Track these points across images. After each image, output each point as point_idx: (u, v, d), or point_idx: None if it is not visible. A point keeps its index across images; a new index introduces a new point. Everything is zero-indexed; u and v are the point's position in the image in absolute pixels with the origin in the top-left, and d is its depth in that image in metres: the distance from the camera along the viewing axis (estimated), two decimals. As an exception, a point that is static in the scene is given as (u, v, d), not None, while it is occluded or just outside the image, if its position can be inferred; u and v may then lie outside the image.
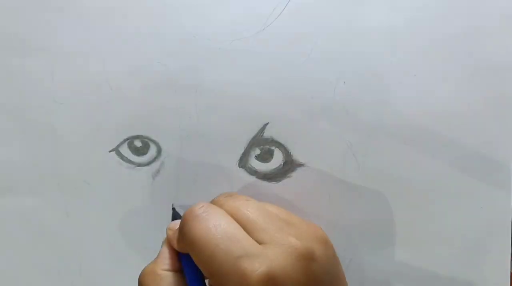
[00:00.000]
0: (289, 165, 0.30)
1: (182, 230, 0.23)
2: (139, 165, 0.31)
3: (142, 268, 0.31)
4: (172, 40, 0.29)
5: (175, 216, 0.29)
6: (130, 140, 0.31)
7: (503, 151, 0.29)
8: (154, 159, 0.31)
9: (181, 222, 0.24)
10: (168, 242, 0.26)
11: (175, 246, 0.25)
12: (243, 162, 0.30)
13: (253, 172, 0.30)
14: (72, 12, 0.30)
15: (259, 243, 0.22)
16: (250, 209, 0.24)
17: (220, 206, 0.24)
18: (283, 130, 0.30)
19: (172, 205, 0.30)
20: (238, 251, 0.21)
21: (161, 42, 0.30)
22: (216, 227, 0.22)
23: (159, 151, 0.30)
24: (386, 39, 0.29)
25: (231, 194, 0.26)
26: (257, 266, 0.20)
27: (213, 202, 0.25)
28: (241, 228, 0.23)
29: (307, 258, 0.22)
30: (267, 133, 0.30)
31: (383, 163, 0.30)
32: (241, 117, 0.30)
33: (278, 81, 0.29)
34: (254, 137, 0.30)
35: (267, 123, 0.30)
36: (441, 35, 0.29)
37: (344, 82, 0.29)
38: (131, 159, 0.31)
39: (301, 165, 0.30)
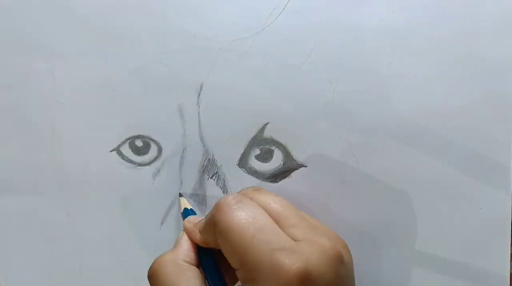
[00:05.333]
0: (289, 165, 0.30)
1: (213, 219, 0.23)
2: (140, 164, 0.31)
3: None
4: (173, 40, 0.30)
5: (185, 206, 0.29)
6: (131, 140, 0.31)
7: (502, 151, 0.29)
8: (155, 159, 0.31)
9: (212, 211, 0.23)
10: (185, 234, 0.26)
11: (197, 239, 0.25)
12: (243, 162, 0.30)
13: (253, 172, 0.30)
14: (72, 12, 0.30)
15: (293, 238, 0.22)
16: (281, 205, 0.24)
17: (250, 198, 0.24)
18: (283, 130, 0.30)
19: (180, 193, 0.30)
20: (275, 243, 0.21)
21: (161, 43, 0.30)
22: (253, 217, 0.22)
23: (159, 150, 0.31)
24: (385, 39, 0.29)
25: (258, 188, 0.26)
26: (294, 261, 0.20)
27: (241, 192, 0.25)
28: (274, 222, 0.23)
29: (338, 260, 0.22)
30: (267, 134, 0.30)
31: (382, 163, 0.30)
32: (241, 117, 0.30)
33: (278, 81, 0.29)
34: (254, 138, 0.30)
35: (267, 123, 0.30)
36: (440, 35, 0.29)
37: (344, 82, 0.29)
38: (132, 159, 0.31)
39: (301, 165, 0.30)
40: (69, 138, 0.31)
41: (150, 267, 0.24)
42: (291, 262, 0.20)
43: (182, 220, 0.27)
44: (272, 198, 0.24)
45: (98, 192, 0.31)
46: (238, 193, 0.25)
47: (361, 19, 0.29)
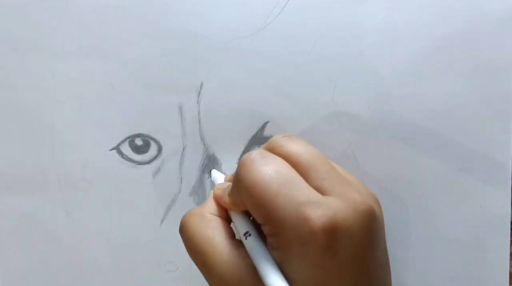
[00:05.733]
0: (289, 164, 0.30)
1: (238, 176, 0.22)
2: (140, 163, 0.31)
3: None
4: (173, 39, 0.30)
5: (216, 178, 0.29)
6: (131, 139, 0.31)
7: (502, 150, 0.29)
8: (155, 157, 0.31)
9: (237, 168, 0.23)
10: (216, 200, 0.26)
11: (226, 202, 0.25)
12: (243, 161, 0.30)
13: (253, 171, 0.30)
14: (72, 12, 0.30)
15: (321, 191, 0.21)
16: (312, 155, 0.23)
17: (280, 146, 0.23)
18: (283, 129, 0.30)
19: (212, 167, 0.30)
20: (301, 197, 0.20)
21: (161, 41, 0.30)
22: (277, 172, 0.21)
23: (159, 149, 0.31)
24: (385, 38, 0.29)
25: (290, 135, 0.25)
26: (320, 214, 0.20)
27: (270, 142, 0.24)
28: (301, 177, 0.22)
29: (369, 216, 0.21)
30: (267, 132, 0.30)
31: (383, 162, 0.30)
32: (241, 116, 0.30)
33: (278, 80, 0.29)
34: (254, 136, 0.30)
35: (267, 122, 0.30)
36: (441, 35, 0.29)
37: (344, 81, 0.29)
38: (132, 157, 0.31)
39: (301, 163, 0.30)
40: (69, 137, 0.31)
41: (180, 221, 0.25)
42: (317, 214, 0.19)
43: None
44: (303, 147, 0.23)
45: (98, 190, 0.31)
46: (266, 143, 0.25)
47: (361, 18, 0.29)
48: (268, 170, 0.21)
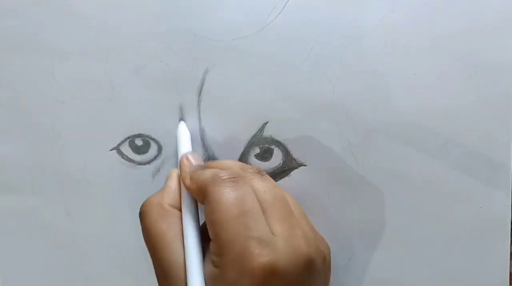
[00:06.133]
0: (288, 164, 0.30)
1: (206, 185, 0.24)
2: (140, 163, 0.31)
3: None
4: (173, 39, 0.30)
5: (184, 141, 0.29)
6: (131, 139, 0.31)
7: (502, 150, 0.29)
8: (155, 158, 0.31)
9: (208, 177, 0.24)
10: (177, 175, 0.27)
11: (185, 182, 0.26)
12: (242, 161, 0.30)
13: (252, 171, 0.30)
14: (72, 12, 0.30)
15: (273, 231, 0.22)
16: (274, 196, 0.24)
17: (249, 180, 0.25)
18: (283, 129, 0.30)
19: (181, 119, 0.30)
20: (253, 231, 0.22)
21: (161, 41, 0.30)
22: (242, 200, 0.23)
23: (159, 149, 0.31)
24: (385, 38, 0.29)
25: (260, 170, 0.26)
26: (264, 253, 0.21)
27: (243, 169, 0.26)
28: (261, 211, 0.23)
29: (308, 266, 0.22)
30: (266, 132, 0.30)
31: (382, 162, 0.30)
32: (241, 116, 0.30)
33: (278, 80, 0.29)
34: (253, 136, 0.30)
35: (266, 122, 0.30)
36: (440, 35, 0.29)
37: (344, 81, 0.29)
38: (131, 158, 0.31)
39: (300, 164, 0.30)
40: (69, 137, 0.31)
41: (140, 207, 0.26)
42: (261, 253, 0.21)
43: (178, 153, 0.28)
44: (270, 186, 0.25)
45: (98, 190, 0.31)
46: (241, 167, 0.26)
47: (361, 18, 0.29)
48: (236, 194, 0.23)
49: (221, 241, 0.22)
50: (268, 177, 0.26)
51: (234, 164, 0.27)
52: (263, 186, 0.24)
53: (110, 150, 0.31)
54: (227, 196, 0.23)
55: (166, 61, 0.30)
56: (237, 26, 0.29)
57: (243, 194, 0.23)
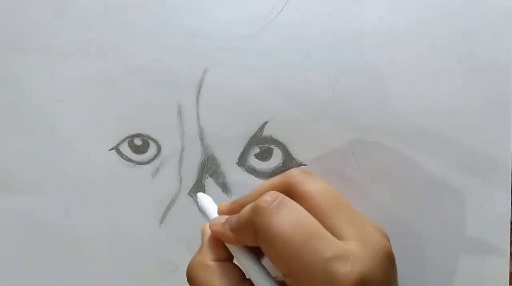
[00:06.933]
0: (288, 164, 0.30)
1: (254, 224, 0.21)
2: (139, 163, 0.31)
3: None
4: (172, 39, 0.30)
5: (205, 207, 0.27)
6: (130, 139, 0.31)
7: (502, 150, 0.29)
8: (154, 157, 0.31)
9: (250, 214, 0.22)
10: (213, 236, 0.25)
11: (230, 239, 0.24)
12: (242, 161, 0.30)
13: (252, 171, 0.30)
14: (72, 12, 0.30)
15: (341, 236, 0.21)
16: (333, 197, 0.23)
17: (301, 183, 0.23)
18: (283, 129, 0.30)
19: (194, 193, 0.30)
20: (327, 251, 0.20)
21: (161, 41, 0.30)
22: (301, 223, 0.21)
23: (158, 149, 0.31)
24: (385, 38, 0.29)
25: (309, 172, 0.24)
26: (349, 270, 0.19)
27: (288, 177, 0.23)
28: (321, 225, 0.21)
29: (389, 261, 0.21)
30: (266, 132, 0.30)
31: (382, 162, 0.30)
32: (240, 116, 0.30)
33: (278, 79, 0.29)
34: (253, 136, 0.30)
35: (266, 122, 0.30)
36: (440, 34, 0.29)
37: (344, 80, 0.29)
38: (131, 157, 0.31)
39: (300, 163, 0.30)
40: (68, 136, 0.31)
41: (186, 272, 0.24)
42: (346, 270, 0.19)
43: (206, 219, 0.26)
44: (324, 188, 0.23)
45: (97, 190, 0.31)
46: (282, 176, 0.24)
47: (361, 17, 0.29)
48: (290, 220, 0.21)
49: (298, 273, 0.20)
50: (317, 176, 0.24)
51: (265, 184, 0.24)
52: (317, 187, 0.23)
53: (110, 150, 0.31)
54: (283, 226, 0.20)
55: (165, 60, 0.30)
56: (236, 26, 0.29)
57: (296, 216, 0.21)
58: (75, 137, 0.31)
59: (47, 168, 0.31)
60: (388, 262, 0.21)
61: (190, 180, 0.31)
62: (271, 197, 0.22)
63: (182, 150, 0.30)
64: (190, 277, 0.24)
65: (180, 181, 0.31)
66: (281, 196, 0.22)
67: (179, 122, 0.30)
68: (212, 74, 0.30)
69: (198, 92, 0.30)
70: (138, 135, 0.31)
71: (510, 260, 0.30)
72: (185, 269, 0.24)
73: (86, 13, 0.30)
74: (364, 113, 0.29)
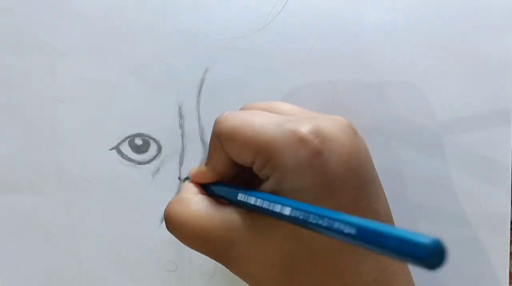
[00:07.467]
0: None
1: (215, 130, 0.22)
2: (140, 163, 0.31)
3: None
4: (173, 38, 0.30)
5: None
6: (130, 139, 0.31)
7: (502, 150, 0.29)
8: (155, 157, 0.31)
9: (214, 124, 0.23)
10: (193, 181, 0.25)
11: (205, 175, 0.24)
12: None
13: (252, 170, 0.30)
14: (72, 11, 0.30)
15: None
16: (284, 104, 0.24)
17: (251, 107, 0.24)
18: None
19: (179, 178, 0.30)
20: (283, 119, 0.21)
21: (161, 41, 0.30)
22: (256, 112, 0.22)
23: (159, 149, 0.31)
24: (385, 38, 0.29)
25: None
26: (306, 124, 0.20)
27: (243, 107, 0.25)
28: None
29: (351, 129, 0.21)
30: (266, 132, 0.30)
31: (382, 162, 0.30)
32: (240, 115, 0.30)
33: (278, 79, 0.29)
34: (253, 136, 0.30)
35: (266, 122, 0.30)
36: (440, 34, 0.29)
37: (344, 80, 0.29)
38: (131, 157, 0.31)
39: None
40: (68, 136, 0.31)
41: (164, 215, 0.23)
42: (303, 125, 0.20)
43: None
44: (273, 101, 0.24)
45: (97, 190, 0.31)
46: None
47: (361, 17, 0.29)
48: (246, 113, 0.22)
49: (262, 148, 0.20)
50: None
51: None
52: (268, 102, 0.24)
53: (110, 150, 0.31)
54: (240, 116, 0.22)
55: (165, 60, 0.30)
56: (237, 25, 0.29)
57: (253, 111, 0.23)
58: (75, 137, 0.31)
59: (47, 168, 0.31)
60: (347, 130, 0.21)
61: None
62: (226, 111, 0.23)
63: (183, 150, 0.30)
64: (166, 216, 0.23)
65: (180, 181, 0.31)
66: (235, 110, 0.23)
67: (179, 122, 0.30)
68: (212, 73, 0.30)
69: (199, 92, 0.30)
70: (138, 135, 0.31)
71: (510, 260, 0.30)
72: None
73: (86, 13, 0.30)
74: (364, 113, 0.29)
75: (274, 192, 0.20)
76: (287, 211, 0.18)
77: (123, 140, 0.31)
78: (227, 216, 0.21)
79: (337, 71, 0.29)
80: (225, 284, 0.31)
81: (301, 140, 0.20)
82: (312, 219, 0.16)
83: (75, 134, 0.31)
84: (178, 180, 0.30)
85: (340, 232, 0.15)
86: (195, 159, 0.30)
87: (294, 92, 0.29)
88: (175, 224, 0.22)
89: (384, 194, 0.23)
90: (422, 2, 0.29)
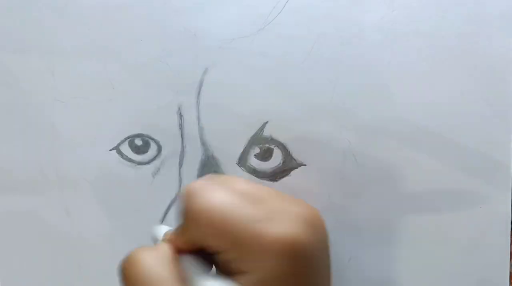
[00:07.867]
0: (288, 164, 0.30)
1: (187, 207, 0.21)
2: (140, 163, 0.31)
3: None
4: (173, 39, 0.30)
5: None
6: (130, 139, 0.31)
7: (502, 150, 0.29)
8: (155, 158, 0.31)
9: (181, 200, 0.22)
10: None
11: (181, 242, 0.23)
12: (242, 161, 0.30)
13: (252, 171, 0.30)
14: (72, 12, 0.30)
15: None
16: (246, 184, 0.23)
17: (222, 180, 0.23)
18: (283, 129, 0.30)
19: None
20: (255, 216, 0.21)
21: (162, 41, 0.30)
22: (224, 197, 0.21)
23: (159, 149, 0.31)
24: (385, 38, 0.29)
25: (216, 175, 0.25)
26: (275, 228, 0.20)
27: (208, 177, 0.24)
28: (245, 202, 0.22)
29: (313, 225, 0.21)
30: (266, 132, 0.30)
31: (382, 162, 0.30)
32: (240, 116, 0.30)
33: (278, 79, 0.29)
34: (253, 136, 0.30)
35: (266, 122, 0.30)
36: (441, 34, 0.29)
37: (344, 80, 0.29)
38: (131, 158, 0.31)
39: (300, 163, 0.30)
40: (68, 137, 0.31)
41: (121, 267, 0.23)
42: (272, 229, 0.20)
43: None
44: (234, 178, 0.23)
45: (97, 190, 0.31)
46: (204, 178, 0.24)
47: (361, 17, 0.29)
48: (215, 194, 0.21)
49: (233, 243, 0.20)
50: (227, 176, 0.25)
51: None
52: (230, 180, 0.23)
53: (110, 150, 0.31)
54: (210, 197, 0.21)
55: (166, 60, 0.30)
56: (237, 26, 0.29)
57: (221, 191, 0.21)
58: (75, 137, 0.31)
59: (47, 168, 0.31)
60: (309, 227, 0.21)
61: (190, 180, 0.31)
62: (196, 182, 0.22)
63: (183, 150, 0.30)
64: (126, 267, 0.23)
65: (180, 181, 0.31)
66: (204, 181, 0.22)
67: (179, 122, 0.30)
68: (212, 74, 0.30)
69: (199, 92, 0.30)
70: (138, 135, 0.31)
71: (510, 260, 0.30)
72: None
73: (86, 13, 0.30)
74: (364, 113, 0.29)
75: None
76: None
77: (123, 141, 0.31)
78: None
79: (337, 72, 0.29)
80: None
81: (271, 248, 0.20)
82: None
83: (75, 134, 0.31)
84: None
85: None
86: (195, 160, 0.30)
87: (295, 92, 0.29)
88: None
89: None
90: (422, 2, 0.29)
